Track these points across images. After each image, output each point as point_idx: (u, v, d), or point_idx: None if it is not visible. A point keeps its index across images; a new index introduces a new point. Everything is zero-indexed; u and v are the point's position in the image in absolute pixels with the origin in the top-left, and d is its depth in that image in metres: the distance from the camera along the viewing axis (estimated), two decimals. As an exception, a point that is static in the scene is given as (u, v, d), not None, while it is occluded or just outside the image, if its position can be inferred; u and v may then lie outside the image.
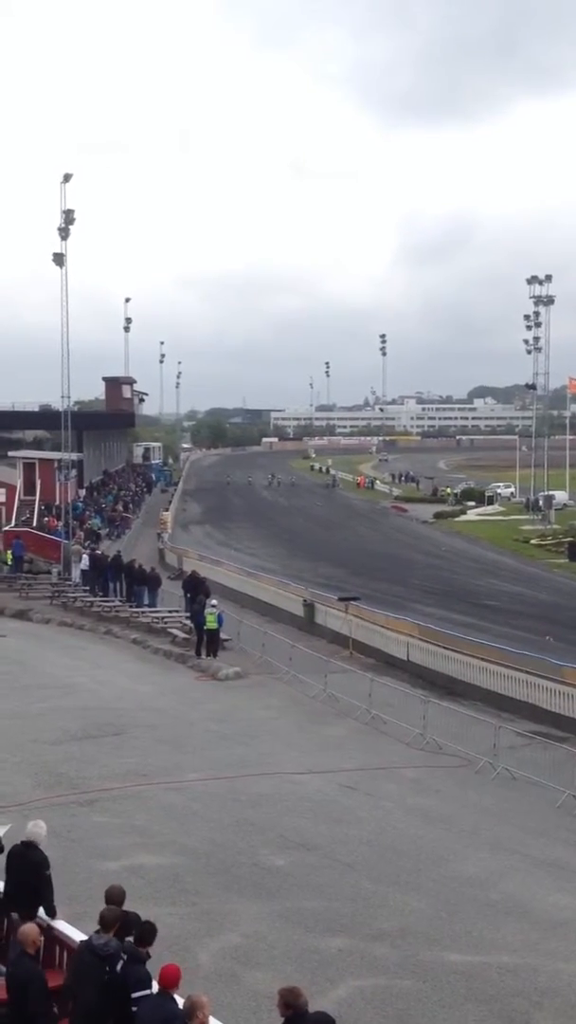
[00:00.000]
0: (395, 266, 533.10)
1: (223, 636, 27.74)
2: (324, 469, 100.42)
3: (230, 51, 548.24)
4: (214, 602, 27.34)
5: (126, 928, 7.78)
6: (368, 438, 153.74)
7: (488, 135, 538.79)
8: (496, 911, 12.01)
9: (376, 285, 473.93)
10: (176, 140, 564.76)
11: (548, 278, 69.04)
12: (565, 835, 15.11)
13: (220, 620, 26.82)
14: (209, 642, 26.65)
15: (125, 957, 7.52)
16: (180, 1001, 7.35)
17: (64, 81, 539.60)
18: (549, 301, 69.51)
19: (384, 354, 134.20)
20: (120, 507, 56.36)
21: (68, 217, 40.47)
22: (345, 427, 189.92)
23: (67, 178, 40.25)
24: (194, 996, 7.06)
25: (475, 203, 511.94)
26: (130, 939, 7.69)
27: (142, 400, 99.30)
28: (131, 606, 32.47)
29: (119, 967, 7.49)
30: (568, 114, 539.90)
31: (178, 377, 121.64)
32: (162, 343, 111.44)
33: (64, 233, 40.51)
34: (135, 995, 7.32)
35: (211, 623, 26.50)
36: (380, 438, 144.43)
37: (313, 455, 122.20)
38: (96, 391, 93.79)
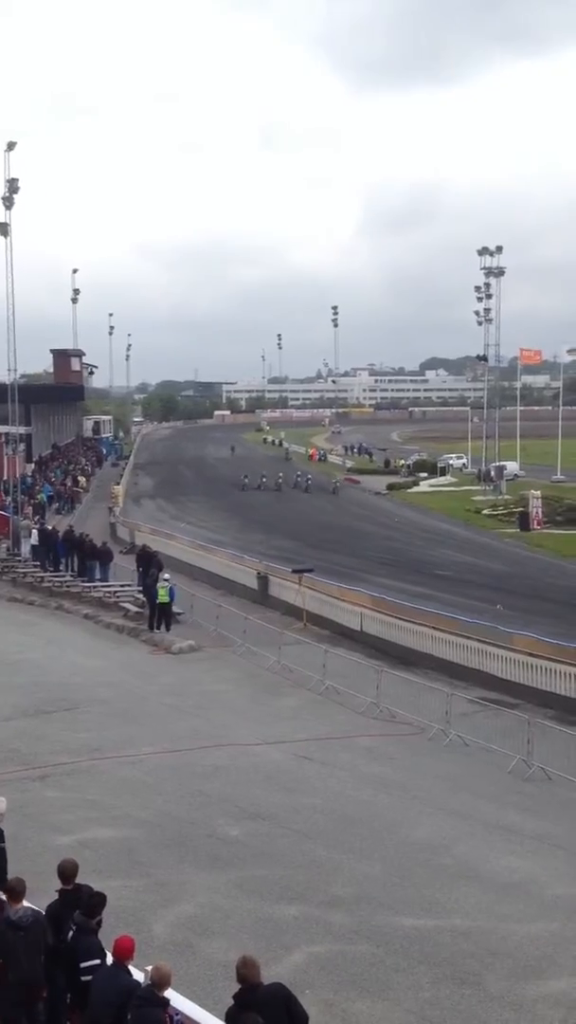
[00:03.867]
0: (360, 236, 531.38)
1: (176, 610, 27.64)
2: (277, 442, 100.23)
3: (197, 12, 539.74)
4: (166, 576, 27.20)
5: (76, 900, 7.76)
6: (321, 410, 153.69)
7: (463, 98, 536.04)
8: (449, 875, 12.16)
9: (340, 256, 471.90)
10: (139, 105, 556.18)
11: (499, 249, 69.30)
12: (516, 799, 15.32)
13: (172, 594, 26.69)
14: (162, 616, 26.54)
15: (75, 927, 7.51)
16: (135, 972, 7.37)
17: (25, 41, 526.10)
18: (500, 273, 69.80)
19: (336, 326, 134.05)
20: (70, 482, 55.76)
21: (12, 186, 39.69)
22: (298, 399, 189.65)
23: (11, 146, 39.35)
24: (162, 967, 7.07)
25: (445, 172, 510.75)
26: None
27: (91, 373, 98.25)
28: (83, 581, 32.20)
29: (70, 937, 7.48)
30: (548, 76, 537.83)
31: (128, 349, 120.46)
32: (111, 315, 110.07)
33: (8, 202, 39.69)
34: (83, 964, 7.31)
35: (163, 597, 26.38)
36: (333, 410, 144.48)
37: (266, 428, 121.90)
38: (45, 363, 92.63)
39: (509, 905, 11.44)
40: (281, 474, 66.41)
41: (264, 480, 64.76)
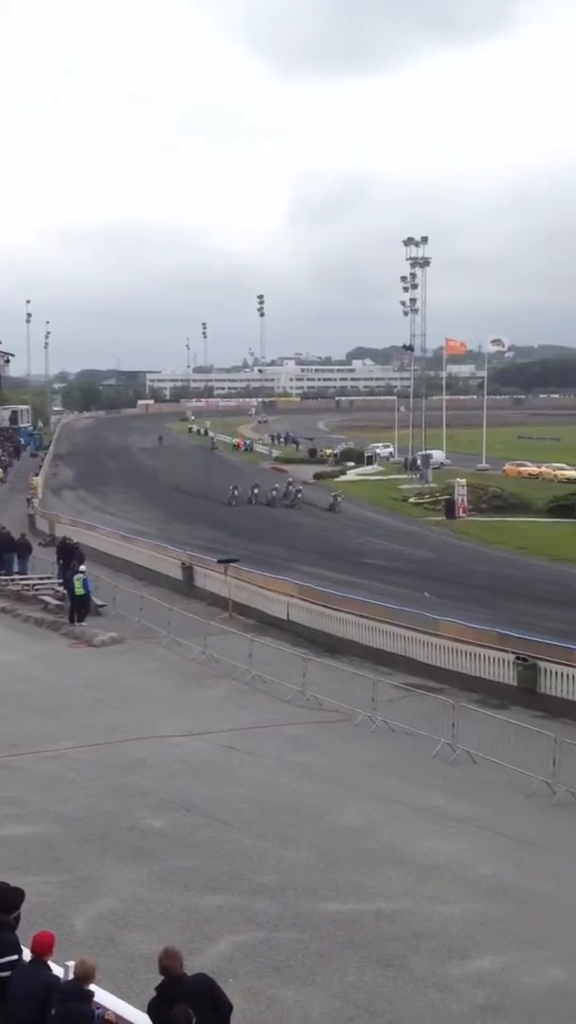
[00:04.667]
0: (287, 224, 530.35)
1: (98, 602, 27.28)
2: (203, 432, 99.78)
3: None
4: (82, 568, 26.77)
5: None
6: (247, 400, 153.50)
7: (391, 87, 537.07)
8: (374, 859, 12.17)
9: (266, 244, 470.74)
10: (54, 86, 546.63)
11: (424, 240, 69.94)
12: (441, 783, 15.41)
13: (86, 585, 26.22)
14: (80, 608, 26.12)
15: None
16: (55, 968, 7.21)
17: None
18: (425, 263, 70.47)
19: (262, 315, 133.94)
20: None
21: None
22: (223, 389, 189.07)
23: None
24: (87, 960, 6.96)
25: (371, 160, 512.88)
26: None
27: (7, 361, 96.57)
28: (0, 574, 31.53)
29: None
30: (475, 66, 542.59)
31: (46, 337, 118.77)
32: (28, 302, 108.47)
33: None
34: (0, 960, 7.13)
35: (78, 589, 25.93)
36: (259, 400, 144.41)
37: (191, 417, 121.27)
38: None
39: (434, 887, 11.49)
40: (276, 485, 55.25)
41: (256, 492, 53.52)
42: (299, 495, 52.99)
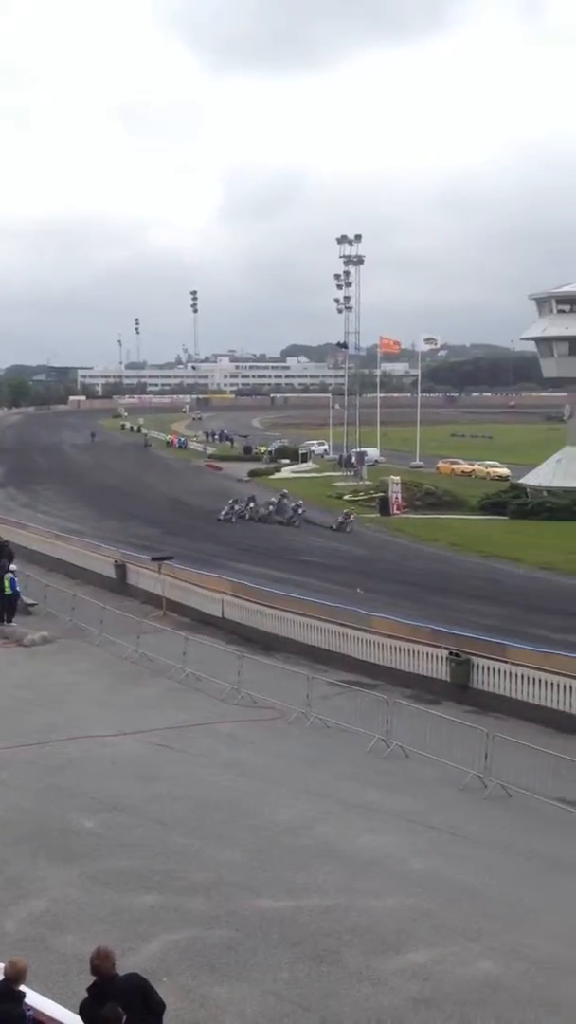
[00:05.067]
0: (221, 221, 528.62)
1: (29, 600, 26.87)
2: (136, 428, 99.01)
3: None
4: (12, 567, 26.35)
5: None
6: (181, 397, 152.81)
7: (327, 84, 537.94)
8: (309, 856, 12.18)
9: (200, 240, 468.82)
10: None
11: (358, 238, 70.38)
12: (375, 778, 15.52)
13: (14, 585, 25.80)
14: (9, 608, 25.69)
15: None
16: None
17: None
18: (359, 261, 70.89)
19: (196, 311, 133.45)
20: None
21: None
22: (157, 385, 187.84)
23: None
24: (17, 961, 6.89)
25: (306, 157, 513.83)
26: None
27: None
28: None
29: None
30: (412, 65, 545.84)
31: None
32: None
33: None
34: None
35: (6, 588, 25.51)
36: (193, 396, 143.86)
37: (124, 414, 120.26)
38: None
39: (368, 882, 11.55)
40: (273, 499, 47.85)
41: (251, 506, 47.02)
42: (300, 511, 46.18)
